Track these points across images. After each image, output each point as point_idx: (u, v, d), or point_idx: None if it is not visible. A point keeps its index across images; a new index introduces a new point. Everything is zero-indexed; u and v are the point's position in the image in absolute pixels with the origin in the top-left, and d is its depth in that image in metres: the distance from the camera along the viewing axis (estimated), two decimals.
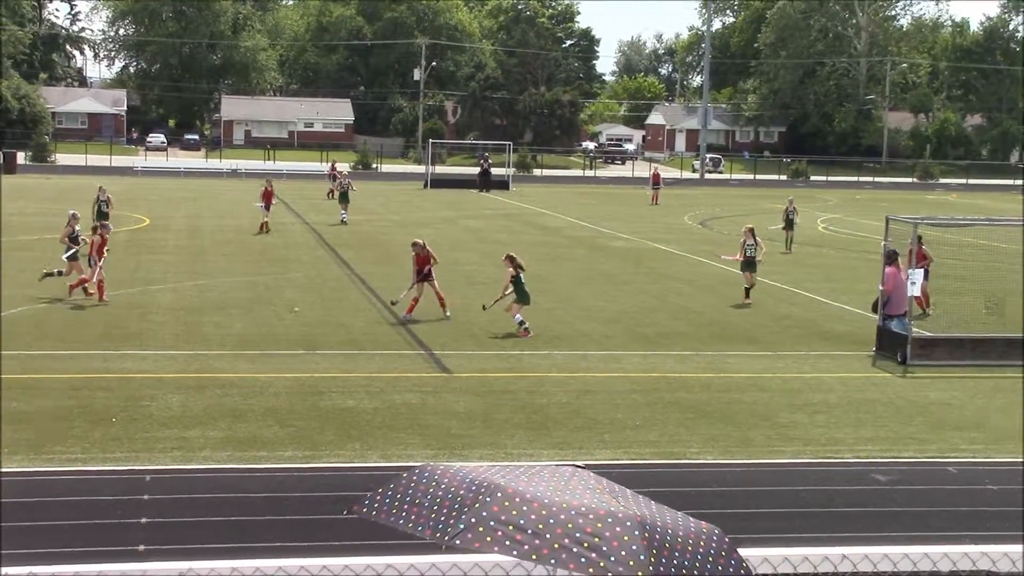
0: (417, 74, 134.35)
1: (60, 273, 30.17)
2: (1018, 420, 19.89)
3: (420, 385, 21.11)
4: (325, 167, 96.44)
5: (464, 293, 32.04)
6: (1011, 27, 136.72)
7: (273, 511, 14.17)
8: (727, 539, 4.55)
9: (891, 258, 25.49)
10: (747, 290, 31.51)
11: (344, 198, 53.85)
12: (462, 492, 4.50)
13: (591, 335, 26.65)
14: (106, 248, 29.63)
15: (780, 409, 20.13)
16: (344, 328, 26.61)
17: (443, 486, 4.57)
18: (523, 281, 26.58)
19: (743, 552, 5.16)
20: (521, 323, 26.33)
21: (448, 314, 27.98)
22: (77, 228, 30.75)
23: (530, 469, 4.69)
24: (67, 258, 30.24)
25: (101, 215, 40.46)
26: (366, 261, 38.70)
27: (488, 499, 4.41)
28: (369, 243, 44.41)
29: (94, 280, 29.20)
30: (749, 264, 31.51)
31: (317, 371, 21.96)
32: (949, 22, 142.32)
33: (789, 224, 44.99)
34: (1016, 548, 5.29)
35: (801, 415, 19.76)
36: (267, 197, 48.20)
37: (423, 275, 28.19)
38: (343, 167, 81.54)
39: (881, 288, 25.55)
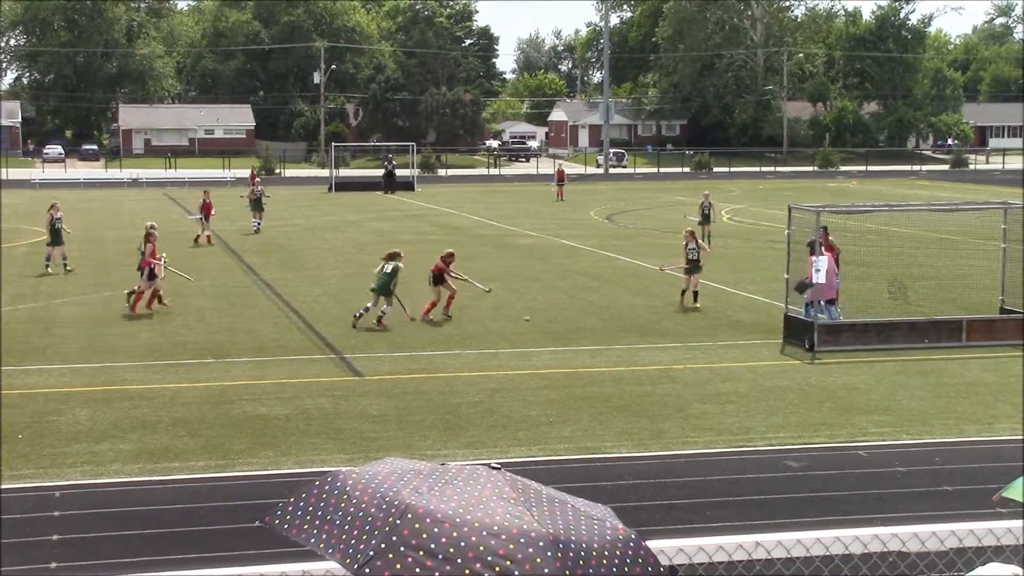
0: (317, 77, 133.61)
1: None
2: (924, 402, 20.23)
3: (332, 389, 21.03)
4: (227, 174, 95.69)
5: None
6: (902, 15, 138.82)
7: (187, 522, 14.04)
8: (644, 544, 4.55)
9: (814, 247, 25.87)
10: (695, 294, 30.22)
11: (257, 205, 51.27)
12: (372, 511, 4.42)
13: (502, 333, 26.70)
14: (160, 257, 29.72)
15: (692, 400, 20.31)
16: (253, 335, 26.42)
17: (354, 501, 4.49)
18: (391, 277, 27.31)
19: (658, 544, 5.19)
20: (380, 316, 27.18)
21: (449, 314, 28.56)
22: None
23: (445, 474, 4.62)
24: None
25: (55, 233, 37.86)
26: (273, 267, 38.45)
27: (398, 521, 4.34)
28: (275, 249, 44.09)
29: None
30: (693, 267, 30.53)
31: (227, 379, 21.78)
32: (842, 12, 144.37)
33: (705, 219, 44.89)
34: (925, 528, 5.37)
35: (712, 405, 19.95)
36: (206, 209, 46.39)
37: (438, 279, 28.72)
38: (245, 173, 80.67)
39: (787, 276, 25.86)
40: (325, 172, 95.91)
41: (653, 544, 5.14)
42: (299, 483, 15.89)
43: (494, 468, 4.71)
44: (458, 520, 4.30)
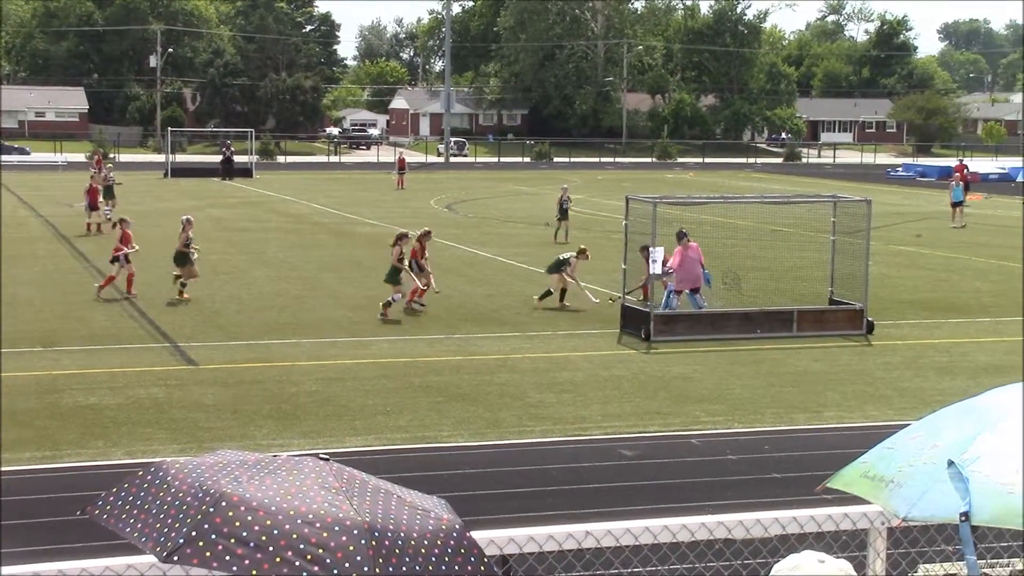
0: (153, 61, 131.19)
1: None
2: (755, 391, 20.64)
3: (166, 379, 20.68)
4: (58, 158, 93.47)
5: (210, 283, 31.47)
6: (739, 10, 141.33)
7: (15, 515, 13.67)
8: (468, 535, 4.54)
9: (680, 237, 26.30)
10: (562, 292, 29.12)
11: (109, 192, 48.75)
12: (188, 499, 4.37)
13: (339, 322, 26.54)
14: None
15: (529, 389, 20.41)
16: (84, 323, 25.85)
17: (172, 490, 4.43)
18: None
19: (489, 534, 5.20)
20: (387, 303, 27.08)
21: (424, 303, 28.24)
22: (191, 234, 30.26)
23: (269, 465, 4.57)
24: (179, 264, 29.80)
25: None
26: (105, 253, 37.56)
27: (212, 509, 4.29)
28: (108, 235, 43.08)
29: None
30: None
31: (56, 369, 21.28)
32: (681, 6, 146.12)
33: (563, 213, 43.92)
34: (750, 516, 5.47)
35: (550, 394, 20.08)
36: (92, 195, 44.60)
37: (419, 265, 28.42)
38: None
39: (624, 267, 26.16)
40: (161, 157, 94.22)
41: (484, 534, 5.16)
42: (129, 474, 15.61)
43: (322, 459, 4.69)
44: (273, 508, 4.27)
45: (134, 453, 16.25)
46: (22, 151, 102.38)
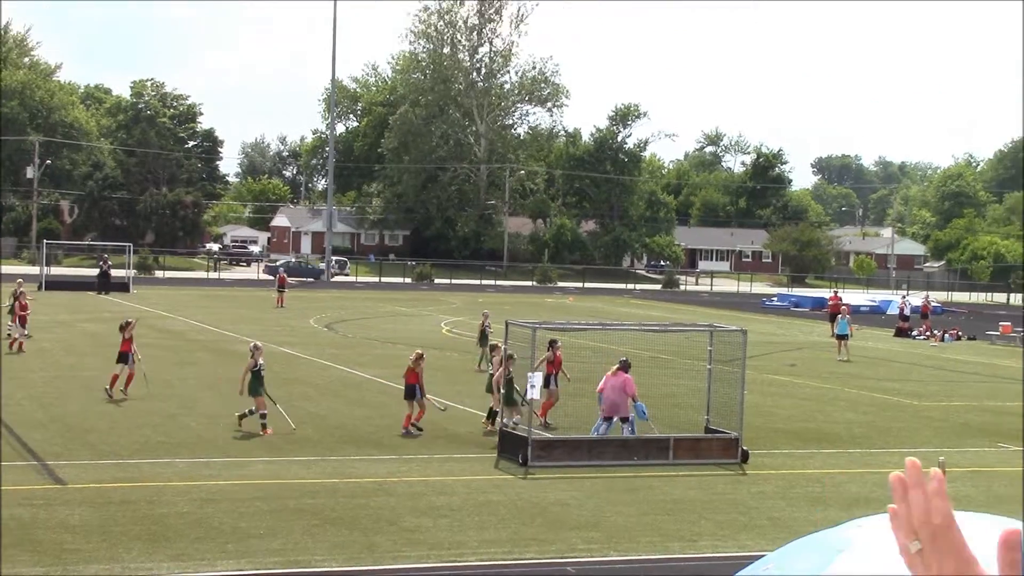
0: (31, 172, 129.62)
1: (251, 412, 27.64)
2: (631, 518, 20.66)
3: (31, 498, 20.14)
4: None
5: (81, 400, 30.91)
6: (619, 138, 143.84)
7: None
8: None
9: (620, 365, 26.56)
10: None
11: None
12: None
13: (214, 441, 26.13)
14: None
15: (406, 513, 20.23)
16: None
17: None
18: None
19: None
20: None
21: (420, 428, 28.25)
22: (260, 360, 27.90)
23: None
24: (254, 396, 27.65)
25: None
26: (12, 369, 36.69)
27: None
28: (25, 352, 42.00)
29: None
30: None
31: None
32: (563, 132, 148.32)
33: (483, 338, 43.30)
34: None
35: (426, 519, 19.91)
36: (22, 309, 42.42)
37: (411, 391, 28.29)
38: None
39: (501, 392, 26.19)
40: (36, 269, 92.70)
41: None
42: None
43: None
44: None
45: None
46: None
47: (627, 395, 26.33)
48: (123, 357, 31.56)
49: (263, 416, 27.21)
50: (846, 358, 50.64)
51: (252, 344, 28.55)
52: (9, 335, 42.40)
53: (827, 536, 4.95)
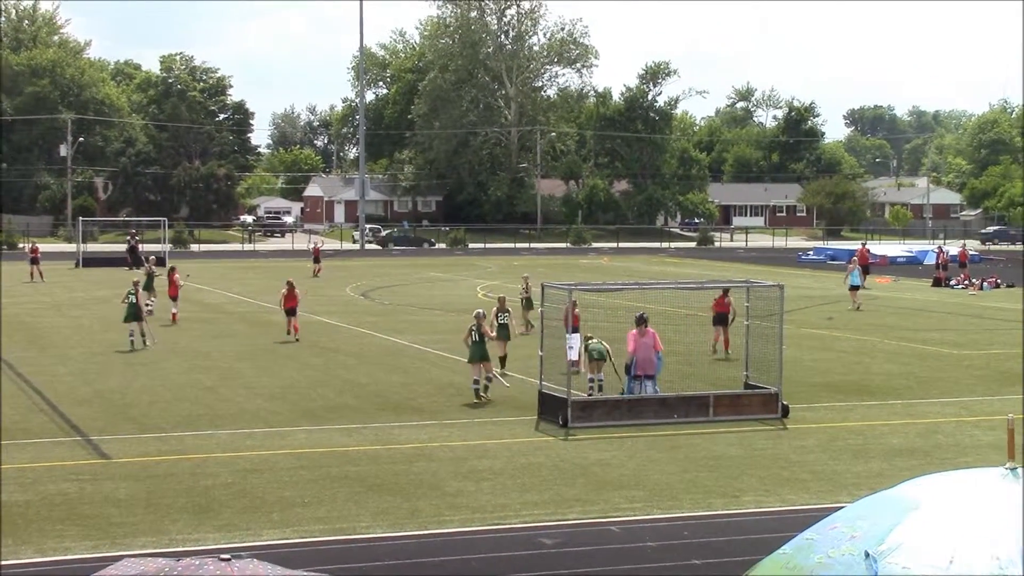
0: (64, 150, 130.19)
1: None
2: (673, 476, 20.68)
3: (77, 473, 20.33)
4: None
5: (122, 374, 31.14)
6: (650, 97, 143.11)
7: None
8: None
9: (638, 322, 26.37)
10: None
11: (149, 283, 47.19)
12: None
13: (256, 412, 26.28)
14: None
15: (448, 478, 20.32)
16: None
17: None
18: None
19: None
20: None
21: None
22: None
23: (170, 573, 4.51)
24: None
25: None
26: (15, 346, 37.01)
27: None
28: (18, 327, 42.43)
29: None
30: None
31: None
32: (593, 93, 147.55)
33: (527, 304, 41.34)
34: None
35: (468, 483, 19.98)
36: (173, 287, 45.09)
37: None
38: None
39: (541, 354, 26.21)
40: (72, 247, 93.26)
41: None
42: (40, 572, 15.28)
43: (223, 559, 4.65)
44: None
45: (45, 551, 15.94)
46: None
47: (656, 350, 26.42)
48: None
49: (488, 380, 27.83)
50: (856, 307, 50.28)
51: (476, 311, 28.63)
52: (149, 309, 42.67)
53: (890, 496, 4.92)
